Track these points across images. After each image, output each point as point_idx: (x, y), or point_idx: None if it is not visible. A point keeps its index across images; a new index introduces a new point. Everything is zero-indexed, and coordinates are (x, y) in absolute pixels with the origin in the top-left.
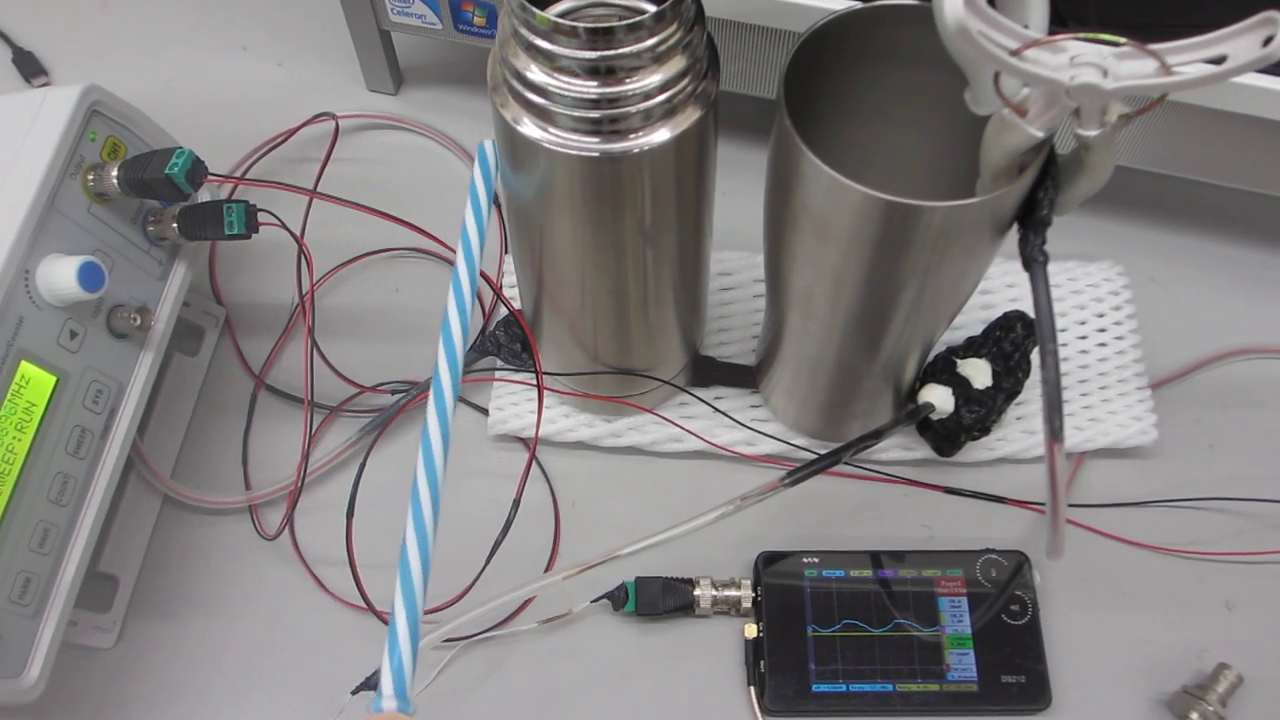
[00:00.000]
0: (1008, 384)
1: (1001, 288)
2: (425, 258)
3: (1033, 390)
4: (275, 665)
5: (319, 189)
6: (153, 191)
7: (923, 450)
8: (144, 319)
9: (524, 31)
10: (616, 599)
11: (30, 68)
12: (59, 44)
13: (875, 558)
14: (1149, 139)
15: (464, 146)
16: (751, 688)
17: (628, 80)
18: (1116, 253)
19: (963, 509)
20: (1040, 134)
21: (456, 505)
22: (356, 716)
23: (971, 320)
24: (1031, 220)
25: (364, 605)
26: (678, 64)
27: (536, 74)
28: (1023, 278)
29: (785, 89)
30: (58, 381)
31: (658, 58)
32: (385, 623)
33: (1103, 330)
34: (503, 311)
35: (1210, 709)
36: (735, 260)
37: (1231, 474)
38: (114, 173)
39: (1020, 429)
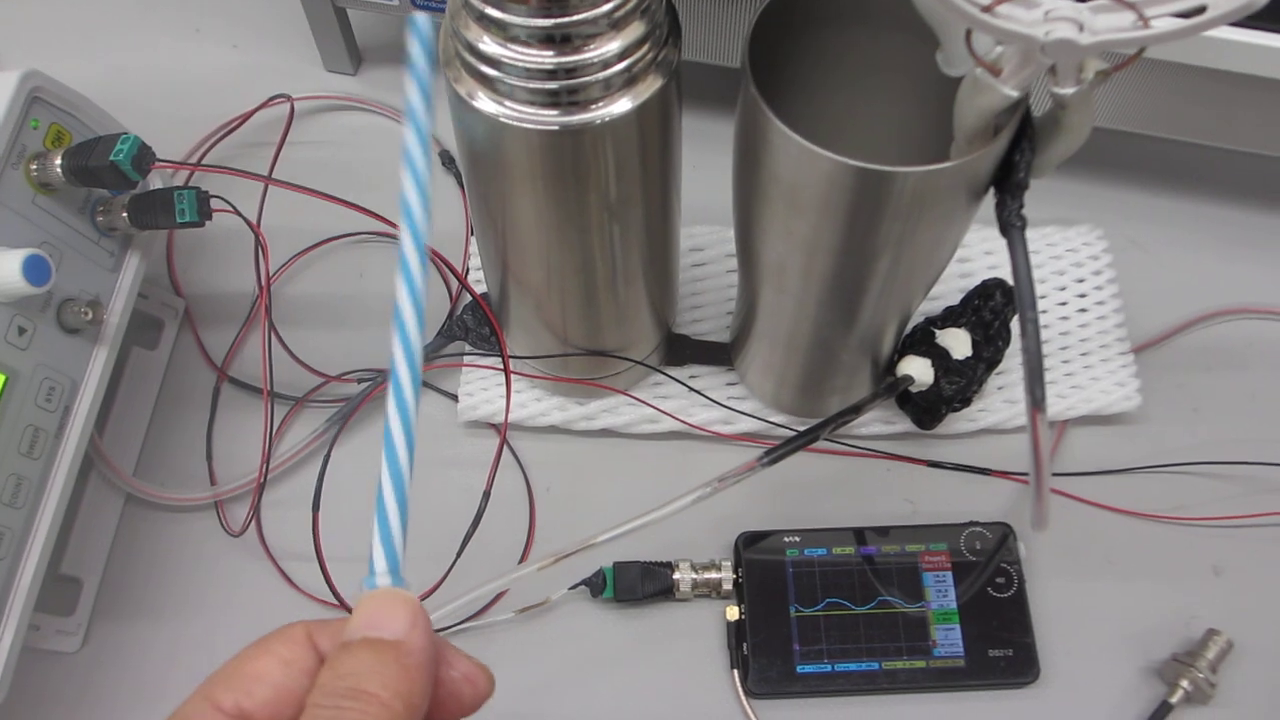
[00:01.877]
0: (988, 353)
1: (980, 255)
2: (388, 242)
3: (1013, 359)
4: None
5: (275, 174)
6: (99, 180)
7: (903, 424)
8: (96, 313)
9: (475, 1)
10: (594, 585)
11: None
12: (2, 30)
13: (858, 534)
14: (1126, 98)
15: None
16: (735, 671)
17: (585, 49)
18: (1096, 216)
19: (945, 482)
20: (1015, 93)
21: (428, 495)
22: None
23: (950, 290)
24: (1008, 184)
25: (334, 601)
26: (636, 30)
27: (489, 45)
28: (1001, 245)
29: (750, 55)
30: (6, 380)
31: (615, 24)
32: None
33: (1083, 296)
34: (470, 296)
35: (1201, 675)
36: (707, 235)
37: (1216, 437)
38: (58, 161)
39: (1002, 399)
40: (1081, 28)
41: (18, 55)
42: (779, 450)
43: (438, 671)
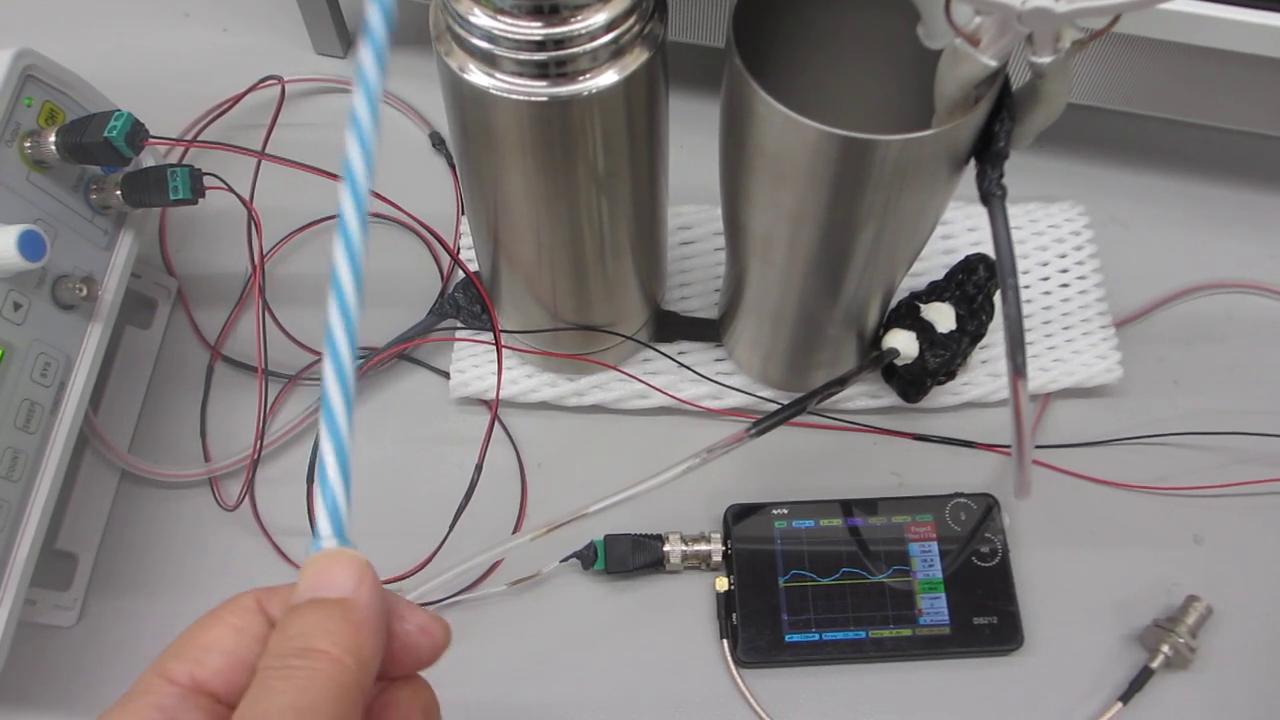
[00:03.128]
0: (971, 327)
1: (963, 231)
2: (380, 222)
3: (997, 334)
4: None
5: (267, 153)
6: (93, 157)
7: (889, 397)
8: (90, 289)
9: None
10: (585, 558)
11: None
12: None
13: (845, 506)
14: (1106, 75)
15: (415, 108)
16: (724, 641)
17: (573, 20)
18: (1077, 193)
19: (931, 455)
20: (993, 63)
21: (420, 471)
22: None
23: (933, 265)
24: (988, 153)
25: None
26: (623, 2)
27: (480, 17)
28: (983, 220)
29: (735, 29)
30: (2, 354)
31: None
32: None
33: (1065, 271)
34: (462, 274)
35: (1181, 640)
36: (694, 214)
37: (1196, 409)
38: (51, 139)
39: (986, 372)
40: None
41: (6, 39)
42: (766, 422)
43: (391, 625)
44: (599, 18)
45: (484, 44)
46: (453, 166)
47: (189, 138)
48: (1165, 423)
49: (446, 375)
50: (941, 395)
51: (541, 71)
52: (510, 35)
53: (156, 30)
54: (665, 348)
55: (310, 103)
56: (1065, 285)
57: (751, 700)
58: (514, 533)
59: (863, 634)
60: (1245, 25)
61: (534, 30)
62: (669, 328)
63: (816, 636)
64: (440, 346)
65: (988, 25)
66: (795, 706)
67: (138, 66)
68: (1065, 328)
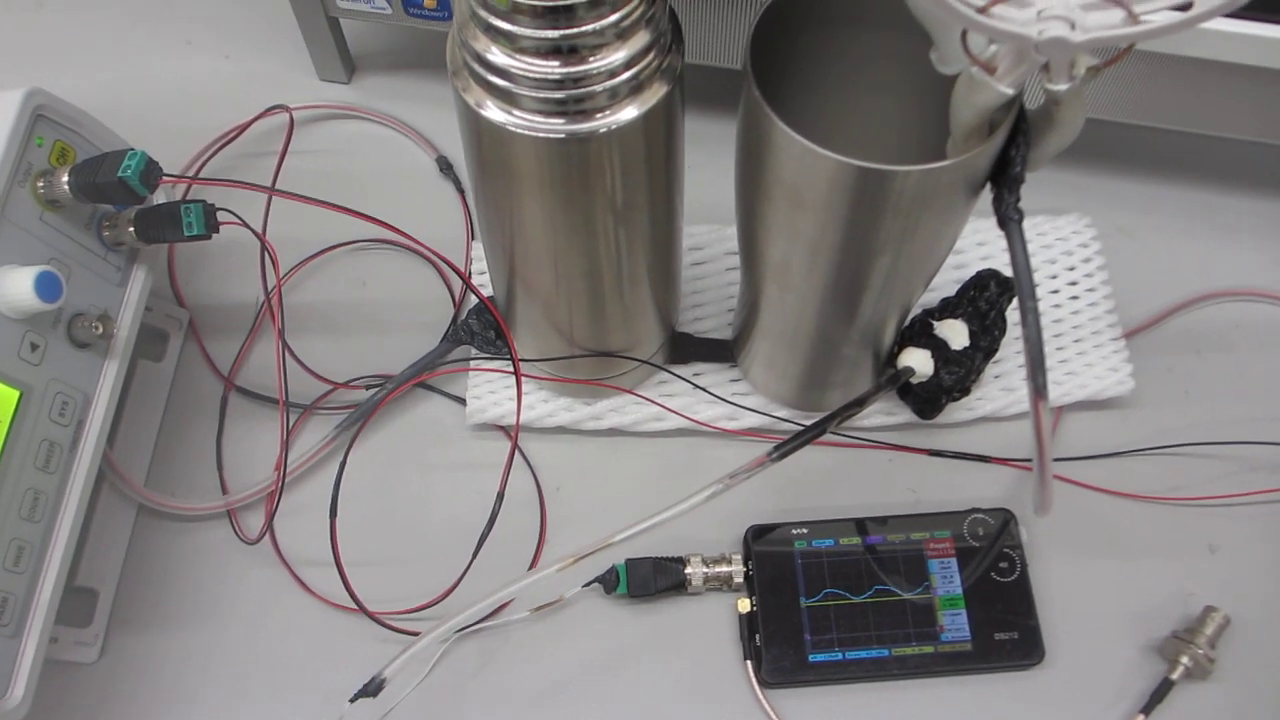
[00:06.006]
0: (985, 342)
1: (973, 246)
2: (389, 249)
3: (1009, 348)
4: (264, 671)
5: (276, 184)
6: (106, 196)
7: (904, 414)
8: (106, 327)
9: (482, 13)
10: (608, 582)
11: None
12: None
13: (863, 524)
14: (1114, 89)
15: (421, 133)
16: (748, 662)
17: (591, 59)
18: (1084, 205)
19: (947, 470)
20: (1010, 91)
21: (439, 498)
22: None
23: (945, 281)
24: (1005, 178)
25: (351, 605)
26: (642, 39)
27: (498, 56)
28: (993, 235)
29: (751, 58)
30: (21, 396)
31: (621, 34)
32: (377, 622)
33: (1074, 284)
34: (474, 300)
35: (1200, 651)
36: (705, 234)
37: (1208, 418)
38: (64, 178)
39: (999, 387)
40: (1073, 26)
41: (6, 73)
42: (788, 444)
43: None
44: (618, 56)
45: (502, 82)
46: (461, 191)
47: (195, 168)
48: (1177, 433)
49: (461, 401)
50: (956, 411)
51: (560, 109)
52: (528, 74)
53: (158, 59)
54: (680, 370)
55: (315, 129)
56: (1075, 298)
57: None
58: (534, 557)
59: (885, 652)
60: (1247, 38)
61: (552, 69)
62: (684, 349)
63: (840, 655)
64: (454, 373)
65: (1004, 54)
66: None
67: (140, 96)
68: (1076, 340)
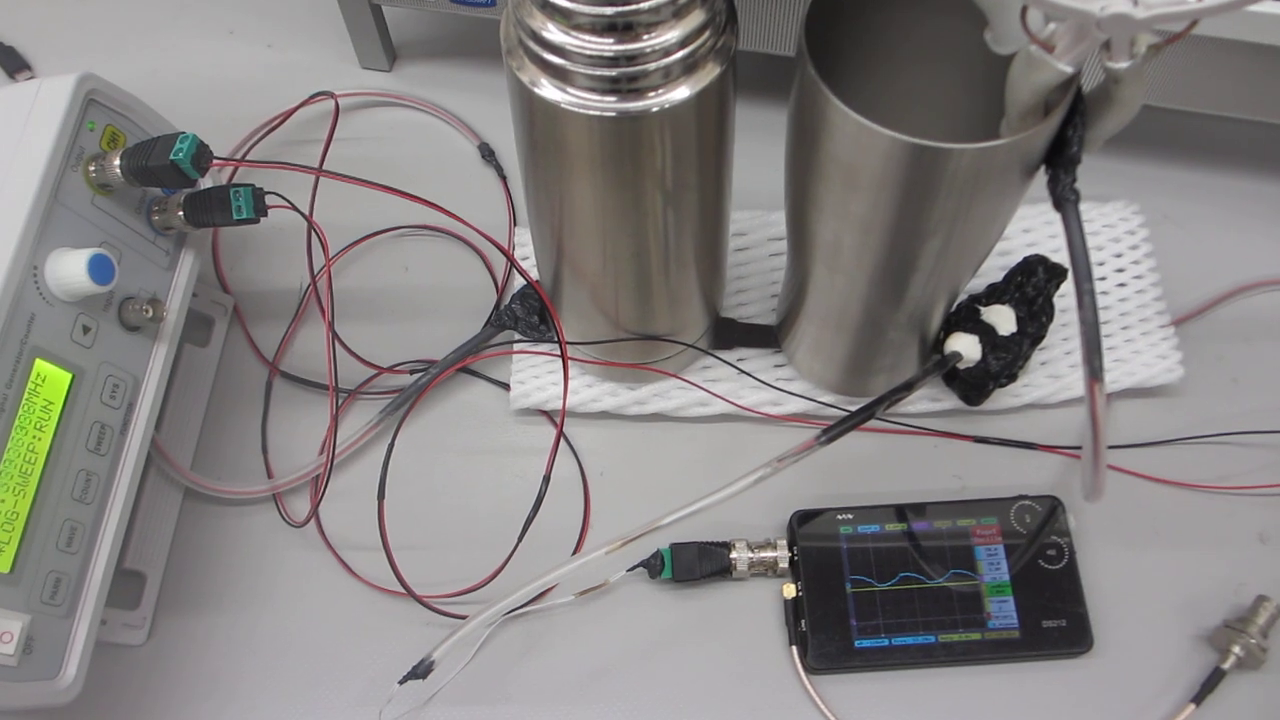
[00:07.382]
0: (1032, 329)
1: (1018, 233)
2: (432, 234)
3: (1055, 335)
4: (310, 654)
5: (325, 169)
6: (157, 179)
7: (949, 400)
8: (156, 310)
9: None
10: (652, 567)
11: (13, 63)
12: (41, 38)
13: (909, 510)
14: (1160, 73)
15: (463, 120)
16: (794, 647)
17: (646, 36)
18: (1130, 192)
19: (993, 457)
20: (1069, 69)
21: (483, 482)
22: (405, 705)
23: (990, 267)
24: (1061, 159)
25: (397, 589)
26: (697, 18)
27: (554, 33)
28: (1039, 223)
29: (805, 38)
30: (74, 378)
31: (677, 11)
32: (424, 605)
33: (1121, 270)
34: (516, 285)
35: (1253, 641)
36: (749, 220)
37: (1256, 407)
38: (116, 162)
39: (1045, 374)
40: (1136, 1)
41: (53, 60)
42: (836, 428)
43: None
44: (672, 34)
45: (557, 59)
46: (503, 178)
47: (240, 154)
48: (1226, 421)
49: (505, 386)
50: (1002, 398)
51: (614, 87)
52: (584, 51)
53: (201, 48)
54: (725, 355)
55: (357, 116)
56: (1122, 285)
57: (823, 706)
58: (578, 541)
59: (932, 638)
60: None
61: (607, 46)
62: (728, 335)
63: (886, 642)
64: (497, 357)
65: (1063, 31)
66: (866, 712)
67: (184, 84)
68: (1124, 328)
